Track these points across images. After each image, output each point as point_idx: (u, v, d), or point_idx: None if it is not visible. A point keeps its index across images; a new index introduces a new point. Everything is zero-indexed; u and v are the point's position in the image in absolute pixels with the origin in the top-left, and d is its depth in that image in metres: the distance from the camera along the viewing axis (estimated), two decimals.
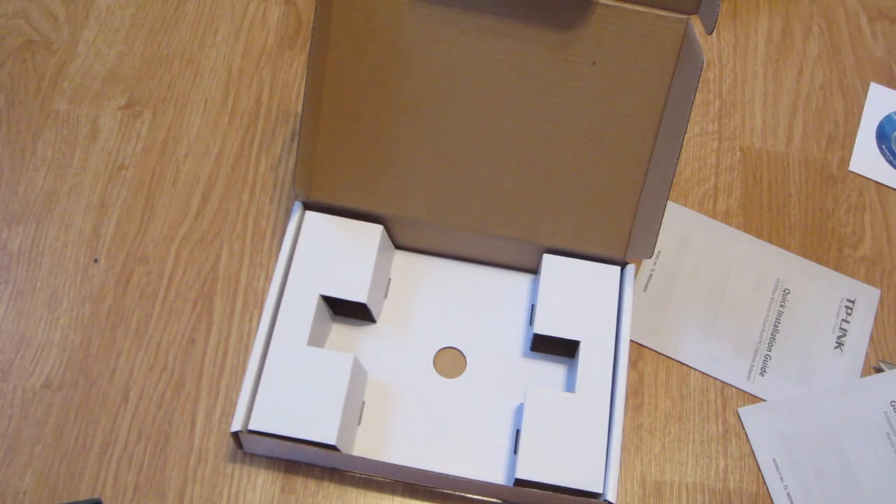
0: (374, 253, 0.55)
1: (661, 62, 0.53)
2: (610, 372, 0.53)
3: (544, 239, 0.56)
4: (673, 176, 0.52)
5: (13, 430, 0.53)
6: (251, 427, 0.50)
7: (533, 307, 0.58)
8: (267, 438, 0.50)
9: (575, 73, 0.54)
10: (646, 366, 0.58)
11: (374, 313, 0.57)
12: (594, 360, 0.53)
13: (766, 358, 0.59)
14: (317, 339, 0.54)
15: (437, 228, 0.57)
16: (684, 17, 0.52)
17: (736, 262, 0.62)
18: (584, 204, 0.56)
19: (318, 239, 0.56)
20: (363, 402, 0.55)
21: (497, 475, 0.53)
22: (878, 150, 0.68)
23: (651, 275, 0.61)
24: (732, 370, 0.58)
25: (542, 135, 0.55)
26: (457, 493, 0.53)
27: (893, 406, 0.57)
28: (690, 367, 0.58)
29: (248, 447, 0.53)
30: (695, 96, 0.50)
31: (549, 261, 0.56)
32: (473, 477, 0.51)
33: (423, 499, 0.53)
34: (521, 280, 0.60)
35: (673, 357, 0.59)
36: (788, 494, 0.54)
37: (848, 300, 0.61)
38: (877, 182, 0.67)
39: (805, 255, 0.63)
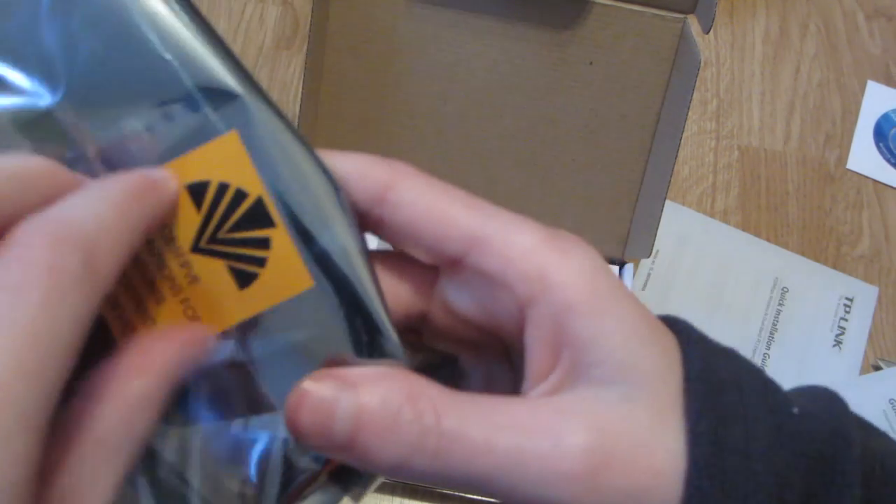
0: None
1: (658, 61, 0.53)
2: None
3: None
4: (671, 175, 0.52)
5: None
6: None
7: None
8: None
9: (572, 72, 0.54)
10: None
11: None
12: None
13: (765, 356, 0.59)
14: None
15: None
16: (681, 16, 0.52)
17: (734, 260, 0.62)
18: (582, 203, 0.56)
19: None
20: None
21: None
22: (875, 149, 0.68)
23: (649, 274, 0.62)
24: None
25: (539, 135, 0.55)
26: (456, 493, 0.53)
27: (892, 404, 0.57)
28: None
29: None
30: (692, 95, 0.50)
31: None
32: None
33: (423, 499, 0.53)
34: None
35: None
36: None
37: (846, 298, 0.61)
38: (874, 180, 0.67)
39: (803, 254, 0.63)
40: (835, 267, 0.63)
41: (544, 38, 0.53)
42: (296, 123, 0.65)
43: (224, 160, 0.21)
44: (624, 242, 0.56)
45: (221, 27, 0.69)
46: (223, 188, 0.21)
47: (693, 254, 0.62)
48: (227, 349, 0.22)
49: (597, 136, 0.55)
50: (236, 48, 0.68)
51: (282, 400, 0.21)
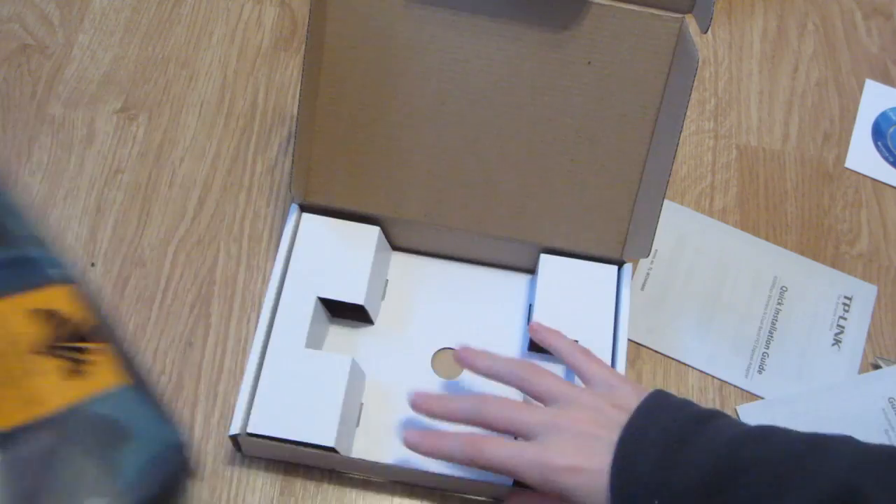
0: (371, 254, 0.55)
1: (656, 61, 0.53)
2: None
3: (541, 239, 0.56)
4: (669, 174, 0.52)
5: None
6: (250, 430, 0.50)
7: (530, 307, 0.58)
8: (266, 441, 0.50)
9: (570, 72, 0.54)
10: (644, 365, 0.58)
11: (372, 315, 0.56)
12: None
13: (764, 356, 0.59)
14: (314, 342, 0.54)
15: (434, 229, 0.57)
16: (679, 15, 0.52)
17: (733, 260, 0.62)
18: (581, 204, 0.56)
19: (315, 241, 0.56)
20: (362, 404, 0.55)
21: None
22: (874, 147, 0.68)
23: (648, 274, 0.62)
24: (730, 368, 0.58)
25: (537, 135, 0.55)
26: (456, 493, 0.53)
27: (891, 402, 0.57)
28: (688, 366, 0.58)
29: (246, 450, 0.53)
30: (690, 95, 0.50)
31: (546, 261, 0.56)
32: (473, 477, 0.51)
33: (422, 499, 0.53)
34: (519, 280, 0.60)
35: (671, 356, 0.59)
36: None
37: (845, 297, 0.62)
38: (873, 179, 0.67)
39: (802, 253, 0.63)
40: (834, 266, 0.63)
41: (542, 38, 0.53)
42: (294, 125, 0.65)
43: (63, 298, 0.35)
44: (622, 242, 0.56)
45: (219, 29, 0.69)
46: (61, 314, 0.34)
47: (691, 253, 0.62)
48: (45, 432, 0.31)
49: (595, 135, 0.55)
50: (234, 50, 0.68)
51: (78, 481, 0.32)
